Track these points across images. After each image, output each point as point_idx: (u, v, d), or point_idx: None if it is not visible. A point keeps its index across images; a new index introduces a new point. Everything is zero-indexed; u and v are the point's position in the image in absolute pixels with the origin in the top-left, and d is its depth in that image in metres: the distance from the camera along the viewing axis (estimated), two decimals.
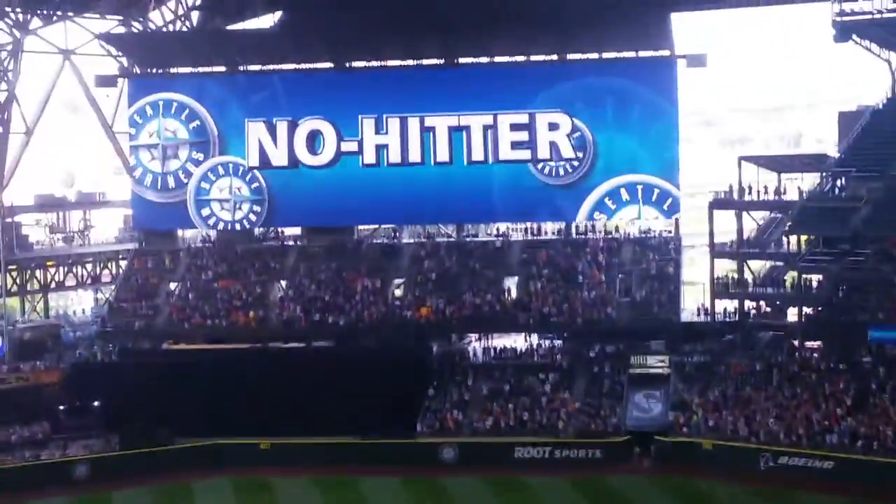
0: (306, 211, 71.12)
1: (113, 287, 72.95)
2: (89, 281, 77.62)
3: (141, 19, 75.29)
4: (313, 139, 70.05)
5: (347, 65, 71.60)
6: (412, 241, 71.41)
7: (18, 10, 71.47)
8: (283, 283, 68.69)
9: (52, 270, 75.46)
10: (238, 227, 71.88)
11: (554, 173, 67.97)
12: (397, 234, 72.51)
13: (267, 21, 72.49)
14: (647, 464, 55.04)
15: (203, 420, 57.45)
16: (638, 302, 62.91)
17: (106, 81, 74.14)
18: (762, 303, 62.72)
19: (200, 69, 72.64)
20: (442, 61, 70.68)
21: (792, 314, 61.31)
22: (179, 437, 57.73)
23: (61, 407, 59.55)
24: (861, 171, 59.67)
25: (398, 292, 67.03)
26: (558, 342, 63.64)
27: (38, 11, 72.41)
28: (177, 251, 72.33)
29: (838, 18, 62.85)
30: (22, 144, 74.40)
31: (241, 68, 72.64)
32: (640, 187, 67.08)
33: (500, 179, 68.47)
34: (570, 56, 69.22)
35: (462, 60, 70.60)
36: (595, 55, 68.97)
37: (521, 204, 68.71)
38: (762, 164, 64.34)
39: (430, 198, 69.27)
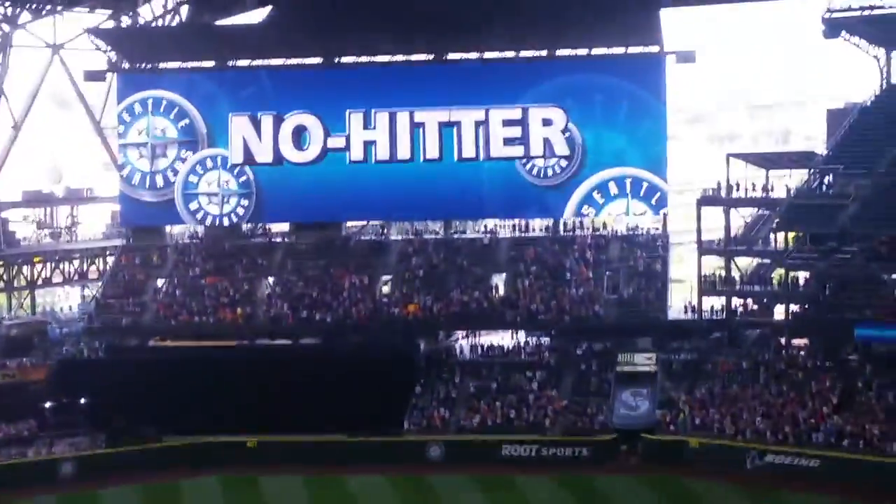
0: (294, 205, 70.82)
1: (100, 283, 72.58)
2: (76, 277, 77.36)
3: (130, 14, 74.96)
4: (299, 135, 69.69)
5: (337, 60, 71.46)
6: (400, 237, 71.18)
7: (7, 3, 71.18)
8: (271, 279, 68.57)
9: (39, 266, 75.22)
10: (226, 221, 71.60)
11: (542, 174, 67.78)
12: (385, 230, 72.27)
13: (256, 16, 72.22)
14: (634, 462, 55.06)
15: (190, 417, 57.23)
16: (625, 299, 62.92)
17: (94, 76, 73.87)
18: (749, 300, 62.55)
19: (189, 64, 72.39)
20: (431, 57, 70.48)
21: (779, 312, 61.12)
22: (166, 435, 57.62)
23: (47, 404, 58.93)
24: (849, 169, 59.58)
25: (386, 289, 66.96)
26: (545, 340, 63.57)
27: (28, 5, 72.08)
28: (164, 247, 72.05)
29: (827, 15, 62.78)
30: (9, 139, 74.19)
31: (229, 63, 72.50)
32: (628, 181, 66.85)
33: (488, 176, 68.25)
34: (560, 52, 69.10)
35: (451, 56, 70.39)
36: (584, 51, 68.86)
37: (510, 200, 68.54)
38: (750, 161, 64.19)
39: (418, 194, 68.98)
